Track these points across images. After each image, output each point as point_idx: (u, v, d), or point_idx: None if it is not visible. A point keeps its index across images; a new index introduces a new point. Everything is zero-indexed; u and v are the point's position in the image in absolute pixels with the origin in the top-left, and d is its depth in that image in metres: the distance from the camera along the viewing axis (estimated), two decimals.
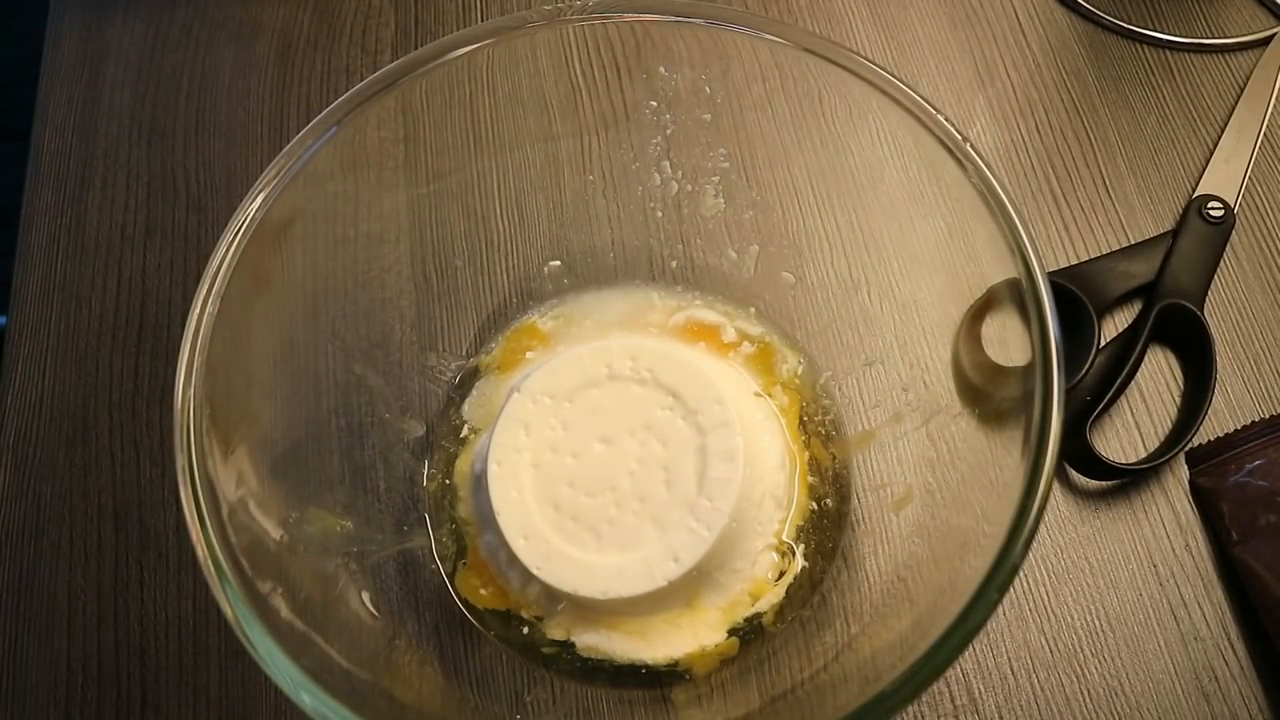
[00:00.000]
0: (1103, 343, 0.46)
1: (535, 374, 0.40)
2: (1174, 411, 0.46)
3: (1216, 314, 0.48)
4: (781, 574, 0.40)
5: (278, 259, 0.36)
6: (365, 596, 0.37)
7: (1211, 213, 0.49)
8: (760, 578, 0.39)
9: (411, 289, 0.45)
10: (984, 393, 0.37)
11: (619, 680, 0.38)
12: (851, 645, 0.37)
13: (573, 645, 0.39)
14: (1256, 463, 0.43)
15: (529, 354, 0.45)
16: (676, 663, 0.38)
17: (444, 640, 0.40)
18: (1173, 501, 0.44)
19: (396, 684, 0.36)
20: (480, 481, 0.39)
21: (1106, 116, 0.53)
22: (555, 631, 0.39)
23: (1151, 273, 0.48)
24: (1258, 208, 0.51)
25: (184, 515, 0.30)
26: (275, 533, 0.33)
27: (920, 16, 0.56)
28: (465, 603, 0.40)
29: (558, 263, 0.46)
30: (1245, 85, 0.53)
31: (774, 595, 0.39)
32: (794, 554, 0.40)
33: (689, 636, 0.38)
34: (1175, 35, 0.56)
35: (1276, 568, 0.40)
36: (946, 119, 0.35)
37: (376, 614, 0.37)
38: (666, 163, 0.44)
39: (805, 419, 0.43)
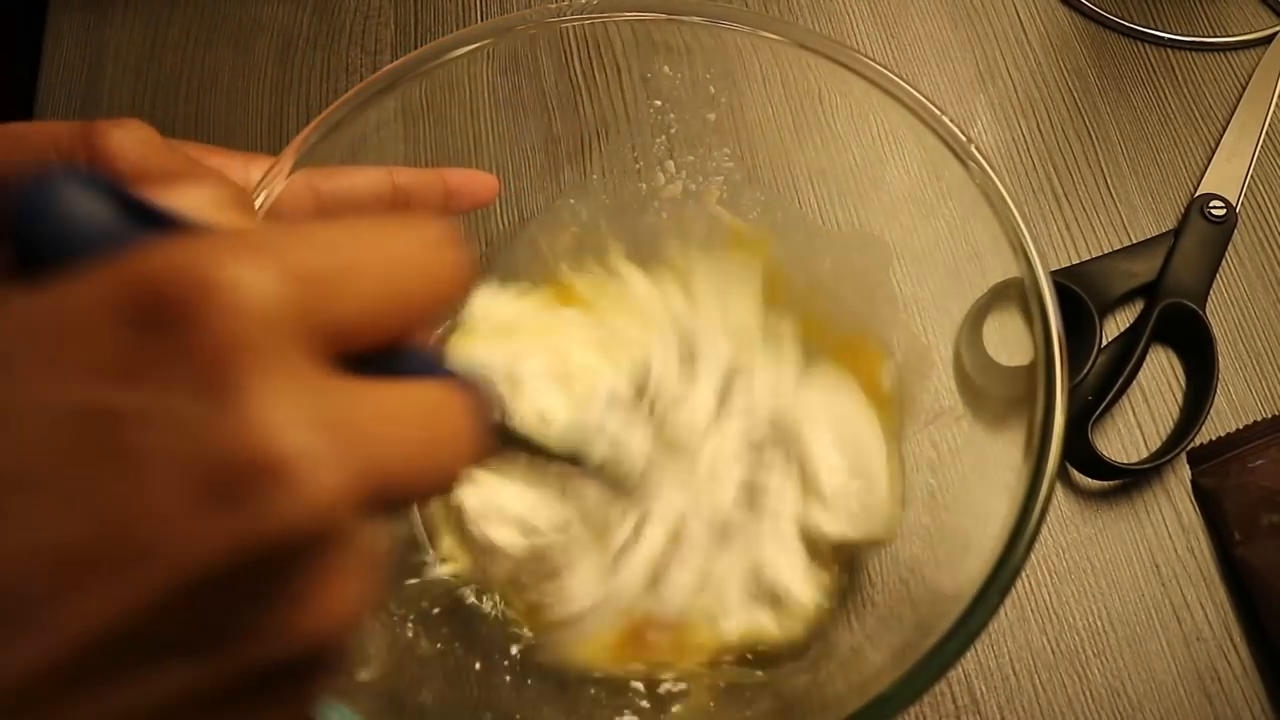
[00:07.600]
0: (1104, 342, 0.46)
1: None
2: (1176, 411, 0.46)
3: (1218, 313, 0.48)
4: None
5: None
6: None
7: (1213, 212, 0.49)
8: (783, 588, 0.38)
9: None
10: (986, 393, 0.37)
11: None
12: (853, 647, 0.37)
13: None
14: (1259, 462, 0.43)
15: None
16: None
17: (445, 641, 0.39)
18: (1175, 502, 0.44)
19: (398, 685, 0.36)
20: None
21: (1108, 115, 0.53)
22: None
23: (1153, 272, 0.48)
24: (1260, 207, 0.50)
25: None
26: None
27: (921, 15, 0.56)
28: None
29: None
30: (1247, 84, 0.53)
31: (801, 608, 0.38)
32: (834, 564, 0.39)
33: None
34: (1177, 34, 0.55)
35: (1279, 567, 0.40)
36: (948, 118, 0.35)
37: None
38: (670, 162, 0.44)
39: None
